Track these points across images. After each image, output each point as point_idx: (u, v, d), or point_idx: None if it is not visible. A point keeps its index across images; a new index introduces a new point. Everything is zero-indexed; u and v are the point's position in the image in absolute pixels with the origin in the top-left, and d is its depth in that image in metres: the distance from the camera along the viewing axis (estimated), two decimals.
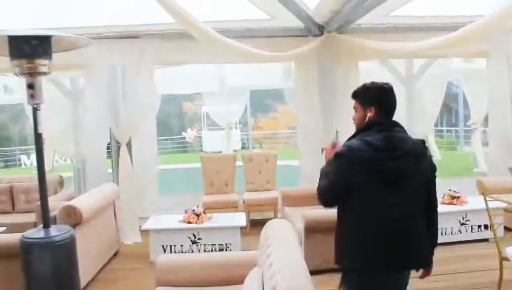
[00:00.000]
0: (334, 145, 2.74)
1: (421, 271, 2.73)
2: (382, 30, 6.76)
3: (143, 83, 6.53)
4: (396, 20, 6.74)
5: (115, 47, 6.49)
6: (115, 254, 5.78)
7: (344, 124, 7.05)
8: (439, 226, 2.75)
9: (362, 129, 2.61)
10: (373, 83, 2.71)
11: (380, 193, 2.45)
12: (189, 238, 5.33)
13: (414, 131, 7.44)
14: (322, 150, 6.90)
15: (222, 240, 5.33)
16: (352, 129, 2.73)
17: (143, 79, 6.53)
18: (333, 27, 6.41)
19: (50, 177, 6.60)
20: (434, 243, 2.70)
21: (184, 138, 19.50)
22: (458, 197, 5.82)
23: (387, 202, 2.45)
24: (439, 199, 6.00)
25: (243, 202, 6.64)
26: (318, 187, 2.58)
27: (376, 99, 2.64)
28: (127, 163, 6.54)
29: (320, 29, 6.58)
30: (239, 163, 7.21)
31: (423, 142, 2.64)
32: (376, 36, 6.54)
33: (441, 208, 5.70)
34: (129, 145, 6.63)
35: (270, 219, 6.77)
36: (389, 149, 2.48)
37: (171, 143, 21.63)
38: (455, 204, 5.78)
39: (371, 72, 7.28)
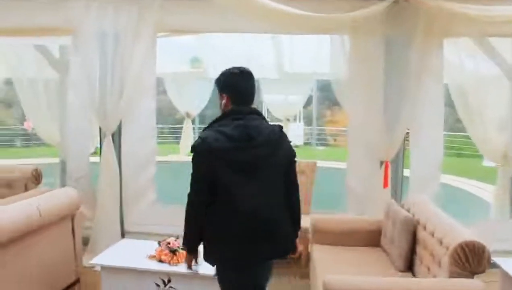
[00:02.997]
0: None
1: None
2: None
3: (141, 56, 4.73)
4: None
5: (107, 7, 4.76)
6: (72, 285, 4.09)
7: (418, 123, 4.92)
8: None
9: (217, 118, 2.53)
10: (229, 68, 2.59)
11: (238, 184, 2.41)
12: (157, 284, 3.47)
13: None
14: (381, 163, 4.77)
15: None
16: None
17: (140, 51, 4.73)
18: None
19: (21, 169, 5.14)
20: (296, 229, 2.69)
21: None
22: None
23: (246, 192, 2.41)
24: None
25: None
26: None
27: (228, 85, 2.56)
28: (111, 160, 4.81)
29: None
30: None
31: (280, 128, 2.58)
32: (472, 2, 4.26)
33: None
34: (116, 137, 4.91)
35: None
36: (245, 139, 2.43)
37: None
38: None
39: (460, 56, 4.95)
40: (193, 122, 14.72)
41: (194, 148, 2.44)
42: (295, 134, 15.01)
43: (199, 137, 2.45)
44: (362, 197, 4.86)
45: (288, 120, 12.25)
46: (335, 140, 20.11)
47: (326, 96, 20.49)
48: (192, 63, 11.11)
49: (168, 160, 12.17)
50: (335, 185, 8.24)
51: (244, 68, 2.57)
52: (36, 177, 5.06)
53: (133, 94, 4.77)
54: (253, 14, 4.42)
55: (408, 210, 3.76)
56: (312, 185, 5.04)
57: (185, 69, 11.31)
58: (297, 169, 2.71)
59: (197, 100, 12.21)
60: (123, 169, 4.89)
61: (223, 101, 2.54)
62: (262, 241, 2.44)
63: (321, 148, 16.88)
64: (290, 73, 11.17)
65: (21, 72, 5.53)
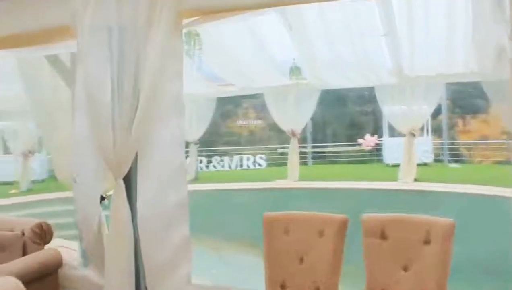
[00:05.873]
0: None
1: None
2: None
3: (157, 56, 3.03)
4: None
5: None
6: None
7: None
8: None
9: None
10: None
11: None
12: None
13: None
14: None
15: None
16: None
17: (156, 49, 3.03)
18: None
19: (22, 224, 3.74)
20: None
21: (361, 144, 15.25)
22: None
23: None
24: None
25: None
26: None
27: None
28: (122, 213, 3.12)
29: None
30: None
31: None
32: None
33: None
34: (129, 179, 3.22)
35: None
36: None
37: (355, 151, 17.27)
38: None
39: None
40: (303, 141, 12.96)
41: None
42: (423, 150, 12.31)
43: None
44: None
45: (413, 134, 9.74)
46: (470, 154, 16.53)
47: (458, 102, 17.31)
48: (291, 73, 9.34)
49: (273, 187, 10.53)
50: (483, 228, 5.63)
51: None
52: (40, 236, 3.61)
53: (150, 114, 3.06)
54: None
55: None
56: (449, 260, 2.67)
57: (286, 81, 9.67)
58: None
59: (301, 116, 10.39)
60: (140, 227, 3.16)
61: None
62: None
63: (455, 165, 13.76)
64: (412, 77, 9.12)
65: (33, 90, 4.23)
